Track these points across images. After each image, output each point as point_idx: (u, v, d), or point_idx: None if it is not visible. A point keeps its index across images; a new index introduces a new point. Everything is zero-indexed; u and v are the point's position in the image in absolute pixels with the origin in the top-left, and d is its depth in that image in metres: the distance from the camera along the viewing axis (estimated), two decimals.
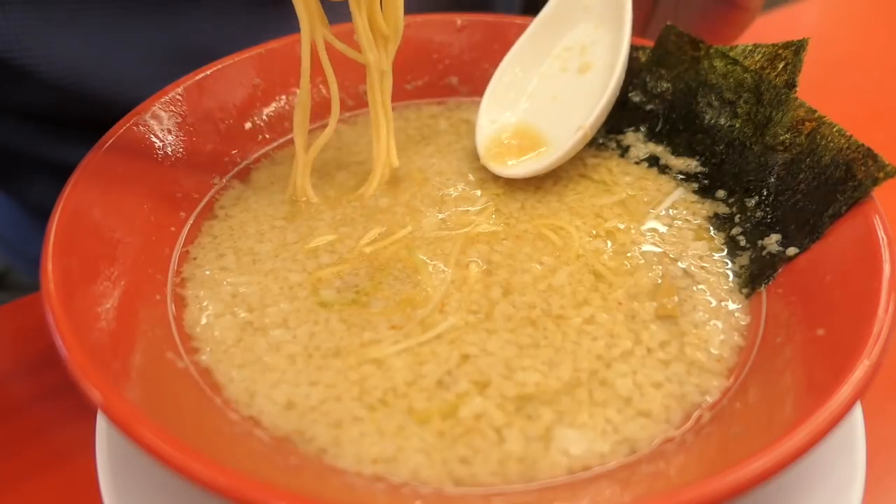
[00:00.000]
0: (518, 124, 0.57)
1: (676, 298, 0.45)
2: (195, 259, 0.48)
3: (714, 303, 0.45)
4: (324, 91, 0.59)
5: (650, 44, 0.56)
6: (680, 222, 0.50)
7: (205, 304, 0.45)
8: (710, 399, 0.40)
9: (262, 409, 0.39)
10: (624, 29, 0.54)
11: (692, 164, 0.54)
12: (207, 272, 0.47)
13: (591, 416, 0.39)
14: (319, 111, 0.59)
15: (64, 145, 0.68)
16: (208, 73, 0.54)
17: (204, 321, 0.43)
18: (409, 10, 0.50)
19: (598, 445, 0.37)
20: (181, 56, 0.64)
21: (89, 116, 0.59)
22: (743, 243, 0.48)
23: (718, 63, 0.52)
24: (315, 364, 0.41)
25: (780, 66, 0.50)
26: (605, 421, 0.38)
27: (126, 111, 0.50)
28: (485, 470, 0.36)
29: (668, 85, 0.55)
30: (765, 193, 0.49)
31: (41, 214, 0.41)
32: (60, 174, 0.44)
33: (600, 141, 0.57)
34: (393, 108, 0.61)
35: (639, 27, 0.65)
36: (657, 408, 0.39)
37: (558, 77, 0.58)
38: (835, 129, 0.45)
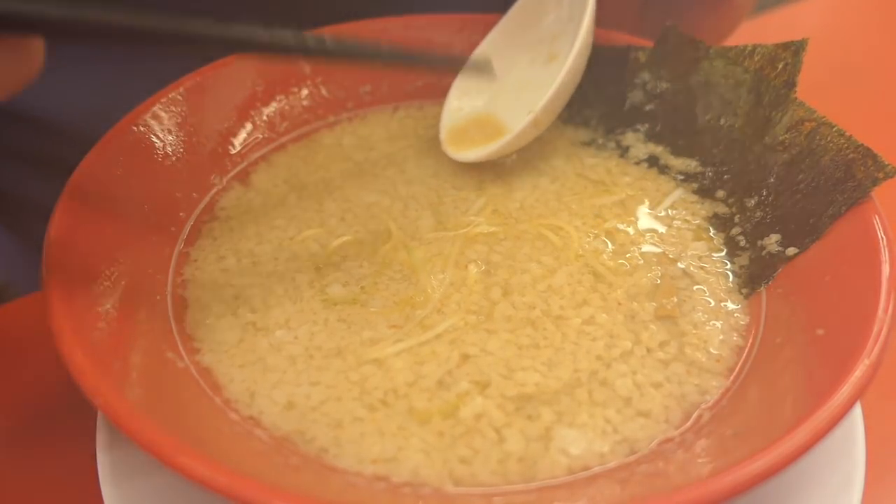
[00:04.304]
0: (481, 113, 0.57)
1: (676, 299, 0.45)
2: (196, 261, 0.48)
3: (713, 303, 0.45)
4: (324, 91, 0.59)
5: (650, 44, 0.56)
6: (679, 222, 0.50)
7: (206, 305, 0.45)
8: (709, 399, 0.40)
9: (263, 409, 0.39)
10: (584, 15, 0.52)
11: (692, 165, 0.54)
12: (208, 274, 0.47)
13: (590, 416, 0.39)
14: (319, 111, 0.59)
15: None
16: (208, 73, 0.54)
17: (205, 322, 0.43)
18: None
19: (598, 445, 0.37)
20: None
21: None
22: (742, 243, 0.48)
23: (718, 63, 0.52)
24: (316, 364, 0.41)
25: (780, 66, 0.50)
26: (605, 421, 0.38)
27: None
28: (485, 470, 0.36)
29: (668, 85, 0.55)
30: (764, 193, 0.49)
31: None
32: None
33: (600, 141, 0.57)
34: (393, 108, 0.61)
35: (629, 24, 0.64)
36: (657, 408, 0.39)
37: (527, 67, 0.58)
38: (834, 130, 0.45)
